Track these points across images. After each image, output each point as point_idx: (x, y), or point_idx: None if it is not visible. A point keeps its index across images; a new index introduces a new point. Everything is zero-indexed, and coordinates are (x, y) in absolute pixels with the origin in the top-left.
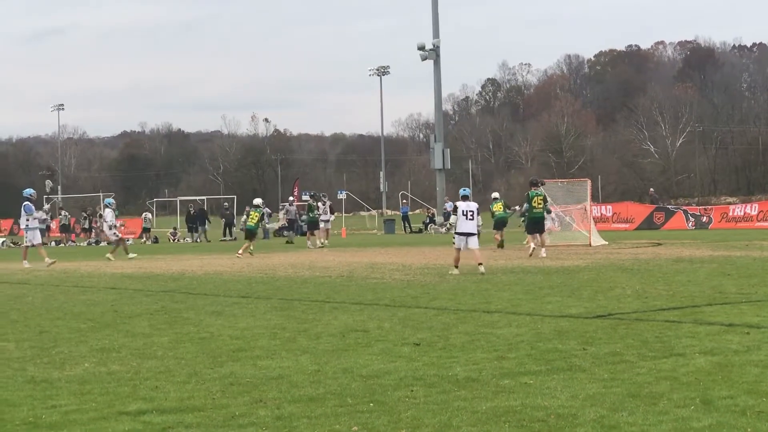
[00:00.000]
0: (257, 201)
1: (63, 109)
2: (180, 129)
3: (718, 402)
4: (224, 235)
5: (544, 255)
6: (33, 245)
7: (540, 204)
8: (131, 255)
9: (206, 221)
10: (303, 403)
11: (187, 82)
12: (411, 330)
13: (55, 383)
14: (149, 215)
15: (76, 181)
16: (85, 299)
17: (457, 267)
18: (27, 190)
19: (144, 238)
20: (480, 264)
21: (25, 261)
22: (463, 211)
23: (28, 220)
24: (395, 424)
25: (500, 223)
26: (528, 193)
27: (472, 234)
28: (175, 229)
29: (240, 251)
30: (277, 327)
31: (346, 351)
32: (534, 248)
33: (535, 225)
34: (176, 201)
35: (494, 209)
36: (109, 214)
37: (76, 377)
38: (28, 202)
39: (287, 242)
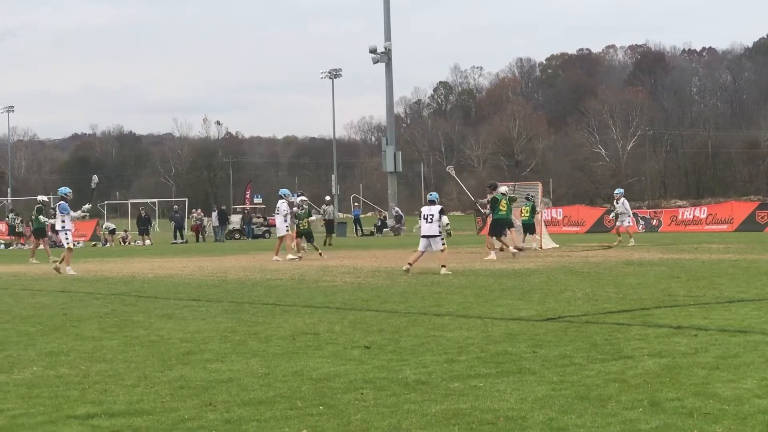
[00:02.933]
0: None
1: (13, 111)
2: (131, 131)
3: (666, 404)
4: (174, 238)
5: (492, 257)
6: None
7: (505, 207)
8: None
9: (149, 224)
10: (253, 406)
11: (138, 85)
12: (361, 333)
13: (3, 387)
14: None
15: (26, 184)
16: (34, 302)
17: (411, 265)
18: (62, 188)
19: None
20: (443, 266)
21: (68, 267)
22: (424, 215)
23: (63, 220)
24: (345, 427)
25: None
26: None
27: (433, 236)
28: (126, 231)
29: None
30: (227, 330)
31: (296, 354)
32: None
33: (499, 227)
34: (128, 204)
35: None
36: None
37: (23, 381)
38: (64, 202)
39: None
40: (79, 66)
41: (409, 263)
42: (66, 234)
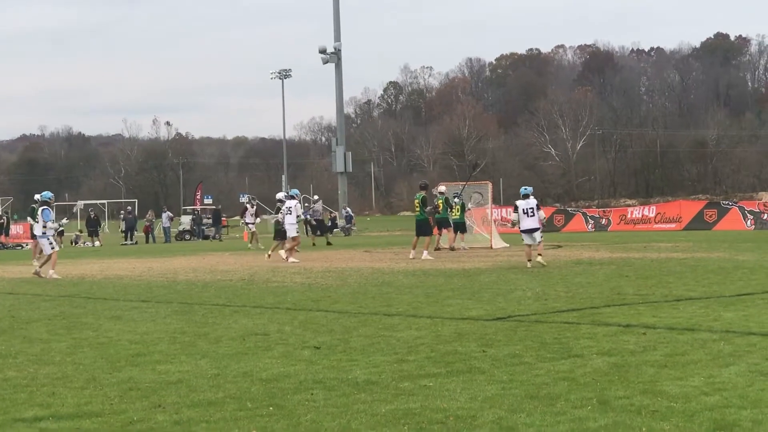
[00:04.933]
0: (279, 195)
1: None
2: (80, 132)
3: (615, 402)
4: (125, 239)
5: (424, 257)
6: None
7: (418, 207)
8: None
9: (98, 225)
10: (202, 407)
11: (88, 86)
12: (311, 333)
13: None
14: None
15: None
16: None
17: (530, 261)
18: (45, 193)
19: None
20: (540, 255)
21: (51, 271)
22: (524, 209)
23: (45, 227)
24: (295, 428)
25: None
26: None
27: (537, 229)
28: (78, 234)
29: (281, 252)
30: (177, 331)
31: (246, 355)
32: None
33: (417, 227)
34: (77, 205)
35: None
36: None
37: None
38: (48, 208)
39: (327, 243)
40: (27, 67)
41: (528, 260)
42: (48, 239)
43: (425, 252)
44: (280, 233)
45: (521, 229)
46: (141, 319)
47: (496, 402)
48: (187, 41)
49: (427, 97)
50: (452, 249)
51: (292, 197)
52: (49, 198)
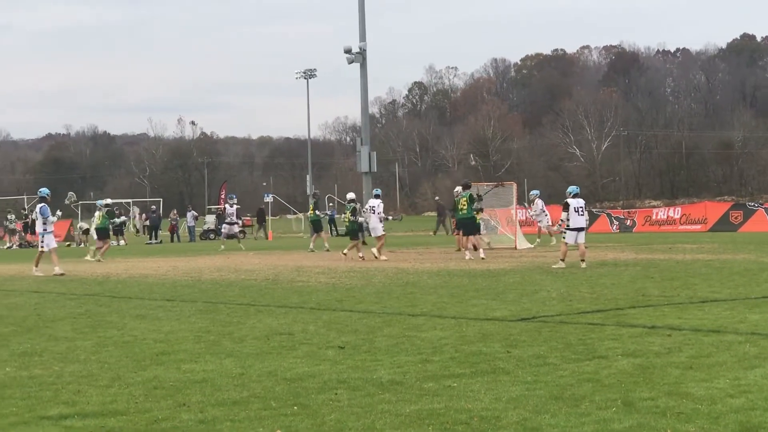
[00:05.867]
0: (350, 195)
1: None
2: (106, 131)
3: (639, 403)
4: (150, 239)
5: (475, 257)
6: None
7: (464, 206)
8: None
9: (124, 225)
10: (227, 406)
11: (113, 85)
12: (336, 333)
13: None
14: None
15: None
16: (7, 303)
17: (563, 260)
18: (43, 189)
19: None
20: (583, 260)
21: (36, 268)
22: (575, 207)
23: (45, 223)
24: (319, 428)
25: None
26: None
27: (583, 229)
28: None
29: (345, 250)
30: (201, 330)
31: (271, 354)
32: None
33: (464, 227)
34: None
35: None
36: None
37: None
38: (45, 204)
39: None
40: (53, 66)
41: (561, 260)
42: (47, 236)
43: (467, 253)
44: (353, 233)
45: (571, 227)
46: (166, 318)
47: (520, 403)
48: (213, 40)
49: (452, 98)
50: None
51: (377, 196)
52: (47, 194)
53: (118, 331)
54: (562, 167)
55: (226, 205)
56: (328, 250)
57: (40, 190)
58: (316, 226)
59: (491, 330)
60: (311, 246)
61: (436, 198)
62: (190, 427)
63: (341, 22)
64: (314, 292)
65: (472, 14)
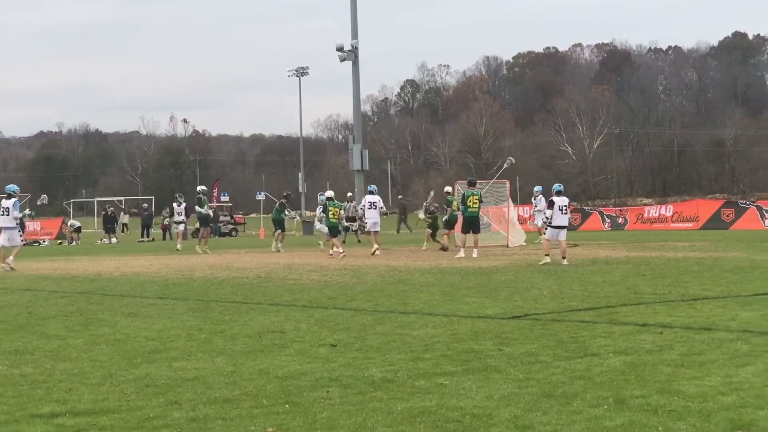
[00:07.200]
0: (329, 193)
1: None
2: (98, 129)
3: (631, 401)
4: (142, 236)
5: (476, 256)
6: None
7: (475, 204)
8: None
9: (115, 222)
10: (218, 404)
11: (105, 83)
12: (328, 331)
13: None
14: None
15: None
16: None
17: (548, 255)
18: (11, 186)
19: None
20: (564, 257)
21: (11, 258)
22: (559, 206)
23: (16, 218)
24: (311, 425)
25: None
26: (464, 193)
27: (565, 227)
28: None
29: (331, 251)
30: (193, 328)
31: (263, 352)
32: (463, 249)
33: (470, 224)
34: (93, 202)
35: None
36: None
37: None
38: (16, 199)
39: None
40: (46, 64)
41: (563, 257)
42: (20, 231)
43: (475, 251)
44: (334, 230)
45: (554, 224)
46: (157, 316)
47: (512, 400)
48: (204, 39)
49: (444, 96)
50: (444, 249)
51: (373, 192)
52: (14, 191)
53: (110, 329)
54: (554, 165)
55: (174, 204)
56: (279, 251)
57: (7, 187)
58: (277, 224)
59: (483, 328)
60: (278, 246)
61: (399, 197)
62: (182, 425)
63: (334, 20)
64: (306, 290)
65: (464, 12)
